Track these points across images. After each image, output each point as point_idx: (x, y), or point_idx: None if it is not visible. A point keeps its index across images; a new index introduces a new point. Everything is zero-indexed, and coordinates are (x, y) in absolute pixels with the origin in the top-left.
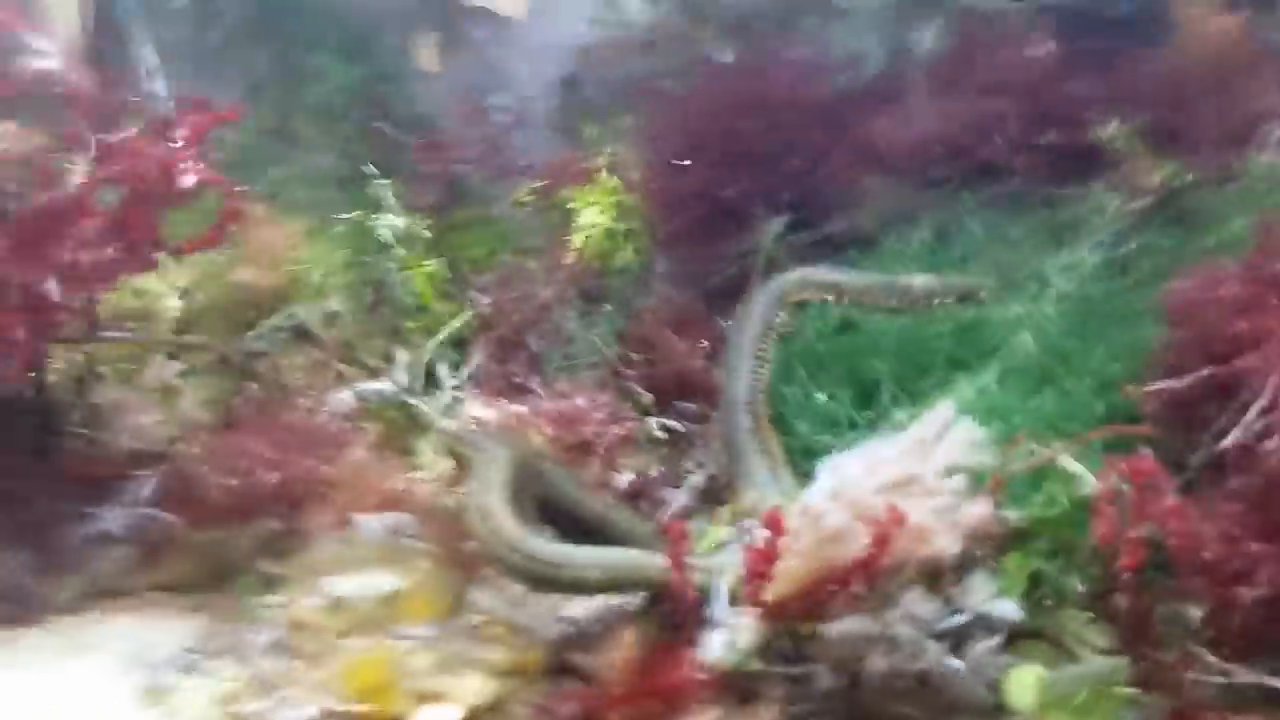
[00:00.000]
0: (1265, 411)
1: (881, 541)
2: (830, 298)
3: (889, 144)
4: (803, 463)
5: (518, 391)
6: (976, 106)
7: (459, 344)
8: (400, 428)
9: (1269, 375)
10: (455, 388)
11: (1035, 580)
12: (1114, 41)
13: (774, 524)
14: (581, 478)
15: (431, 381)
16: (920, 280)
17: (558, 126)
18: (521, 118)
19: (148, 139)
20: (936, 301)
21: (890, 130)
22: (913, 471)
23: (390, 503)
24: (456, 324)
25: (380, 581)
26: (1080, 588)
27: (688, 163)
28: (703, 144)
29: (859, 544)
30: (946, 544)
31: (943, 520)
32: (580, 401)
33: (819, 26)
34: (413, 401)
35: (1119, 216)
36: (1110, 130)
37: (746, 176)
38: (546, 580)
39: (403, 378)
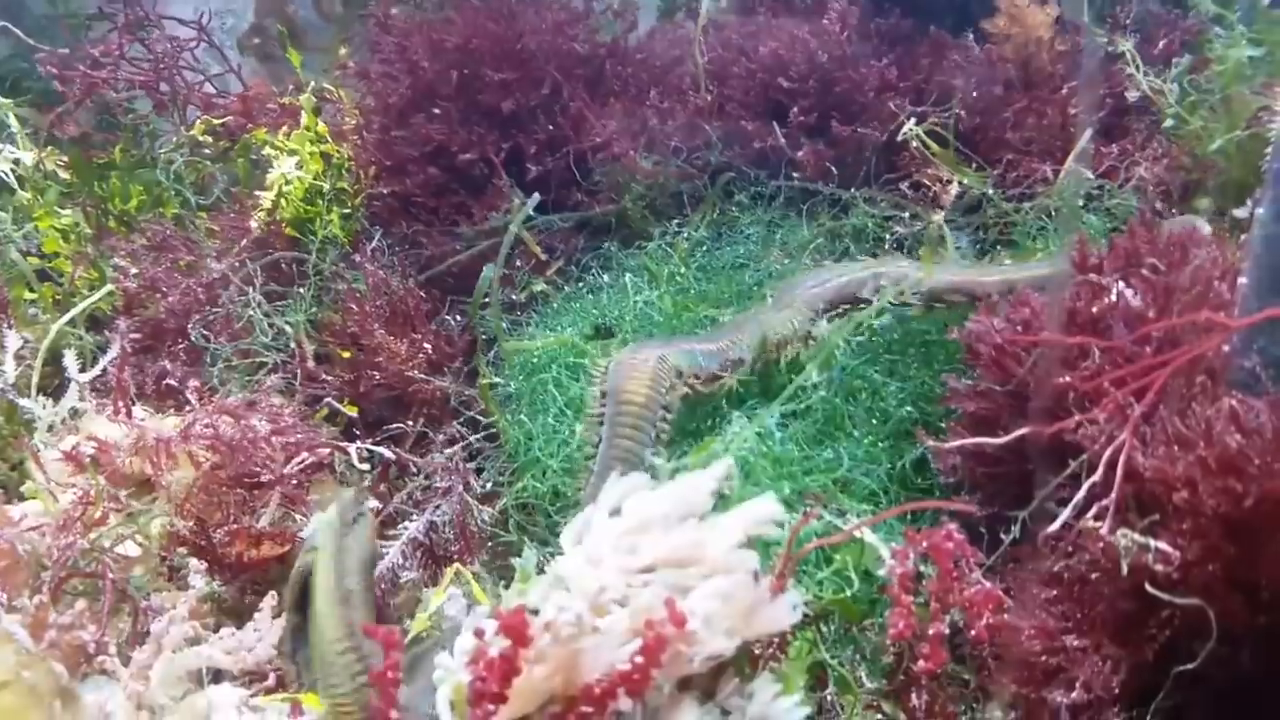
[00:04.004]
0: (1095, 490)
1: (653, 650)
2: None
3: (661, 117)
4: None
5: (168, 398)
6: (759, 84)
7: (101, 325)
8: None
9: (1103, 447)
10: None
11: (818, 674)
12: (924, 21)
13: (515, 630)
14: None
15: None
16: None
17: (254, 49)
18: (207, 33)
19: None
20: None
21: (663, 101)
22: (689, 545)
23: None
24: (97, 298)
25: None
26: (869, 684)
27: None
28: (437, 92)
29: (622, 649)
30: (726, 644)
31: (727, 611)
32: (254, 418)
33: None
34: (23, 404)
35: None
36: (908, 127)
37: (491, 138)
38: None
39: (9, 369)
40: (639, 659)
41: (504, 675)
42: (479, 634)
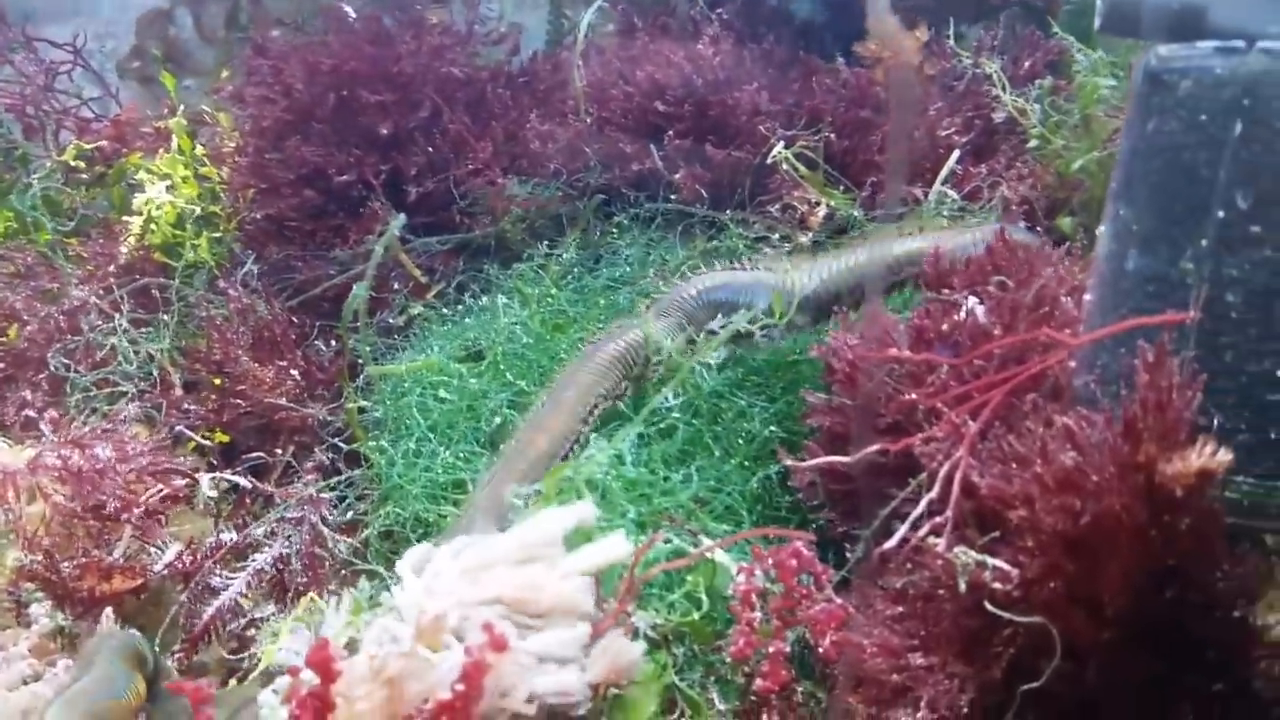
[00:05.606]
0: (934, 506)
1: (473, 677)
2: None
3: (542, 140)
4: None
5: (29, 429)
6: (637, 107)
7: None
8: None
9: (939, 464)
10: None
11: (669, 697)
12: (797, 46)
13: (321, 665)
14: None
15: None
16: None
17: (134, 72)
18: (84, 56)
19: None
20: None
21: (544, 124)
22: (528, 585)
23: None
24: None
25: None
26: (721, 706)
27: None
28: (313, 114)
29: (444, 678)
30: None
31: (565, 652)
32: (104, 449)
33: None
34: None
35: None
36: (777, 150)
37: (369, 160)
38: None
39: None
40: (459, 687)
41: (317, 712)
42: (294, 671)
